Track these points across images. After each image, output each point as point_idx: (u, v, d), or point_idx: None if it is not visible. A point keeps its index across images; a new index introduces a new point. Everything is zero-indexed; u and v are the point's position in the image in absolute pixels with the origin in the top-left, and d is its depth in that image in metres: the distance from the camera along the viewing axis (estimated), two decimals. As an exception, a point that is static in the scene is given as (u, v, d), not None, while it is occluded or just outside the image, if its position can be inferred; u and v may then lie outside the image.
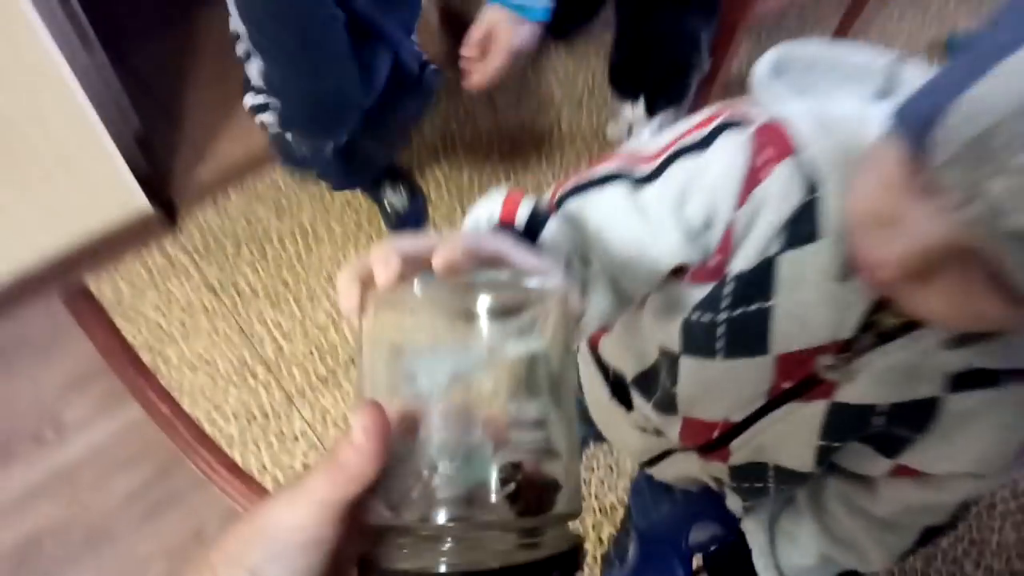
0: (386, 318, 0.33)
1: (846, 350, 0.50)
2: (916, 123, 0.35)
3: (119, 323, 1.51)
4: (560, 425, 0.32)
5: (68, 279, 1.54)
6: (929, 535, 0.65)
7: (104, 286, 1.55)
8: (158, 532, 1.32)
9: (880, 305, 0.47)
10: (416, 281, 0.31)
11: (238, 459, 1.38)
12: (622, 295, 0.51)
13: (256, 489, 1.35)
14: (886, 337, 0.48)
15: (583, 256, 0.50)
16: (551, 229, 0.47)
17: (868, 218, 0.40)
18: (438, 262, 0.31)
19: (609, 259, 0.50)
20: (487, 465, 0.30)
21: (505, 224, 0.47)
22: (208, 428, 1.41)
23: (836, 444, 0.56)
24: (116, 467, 1.37)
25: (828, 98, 0.49)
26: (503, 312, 0.31)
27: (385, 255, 0.32)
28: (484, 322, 0.31)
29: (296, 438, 1.41)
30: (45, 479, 1.35)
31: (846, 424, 0.54)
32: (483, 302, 0.31)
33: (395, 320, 0.33)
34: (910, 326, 0.47)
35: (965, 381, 0.48)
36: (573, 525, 0.33)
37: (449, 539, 0.28)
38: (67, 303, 1.52)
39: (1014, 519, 1.42)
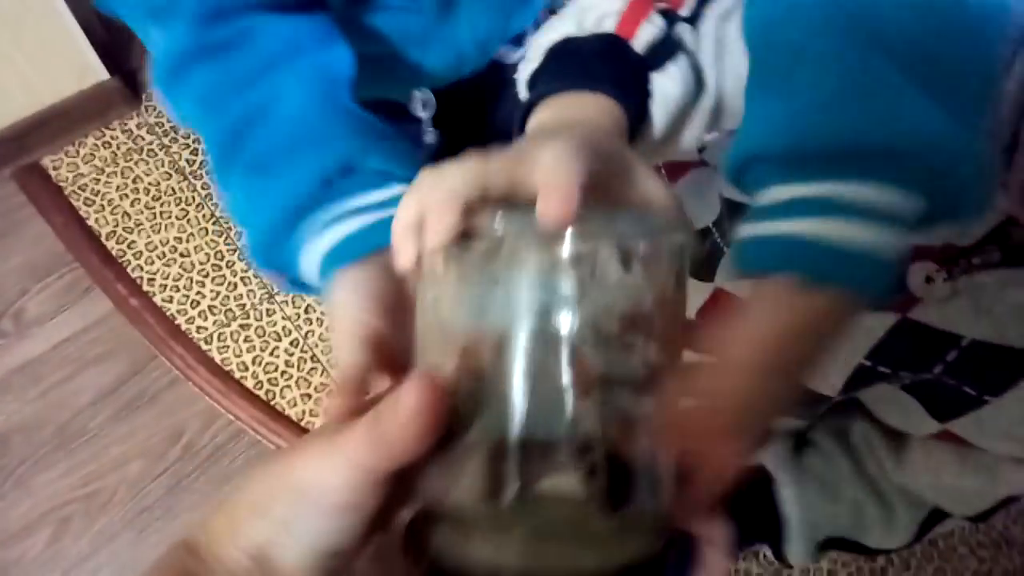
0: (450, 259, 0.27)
1: (956, 261, 0.39)
2: None
3: (80, 208, 1.38)
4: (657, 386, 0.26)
5: (20, 158, 1.39)
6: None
7: (61, 166, 1.41)
8: (134, 431, 1.25)
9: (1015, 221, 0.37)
10: (497, 218, 0.25)
11: (216, 357, 1.30)
12: None
13: (235, 387, 1.27)
14: (1016, 258, 0.38)
15: None
16: None
17: None
18: (548, 216, 0.25)
19: None
20: (565, 415, 0.24)
21: (618, 41, 0.37)
22: (183, 324, 1.32)
23: (881, 370, 0.47)
24: (85, 363, 1.28)
25: None
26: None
27: (445, 201, 0.25)
28: (576, 250, 0.25)
29: (279, 336, 1.32)
30: (7, 375, 1.26)
31: (910, 350, 0.45)
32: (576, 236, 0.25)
33: (463, 258, 0.27)
34: None
35: None
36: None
37: (516, 527, 0.24)
38: (22, 184, 1.38)
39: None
